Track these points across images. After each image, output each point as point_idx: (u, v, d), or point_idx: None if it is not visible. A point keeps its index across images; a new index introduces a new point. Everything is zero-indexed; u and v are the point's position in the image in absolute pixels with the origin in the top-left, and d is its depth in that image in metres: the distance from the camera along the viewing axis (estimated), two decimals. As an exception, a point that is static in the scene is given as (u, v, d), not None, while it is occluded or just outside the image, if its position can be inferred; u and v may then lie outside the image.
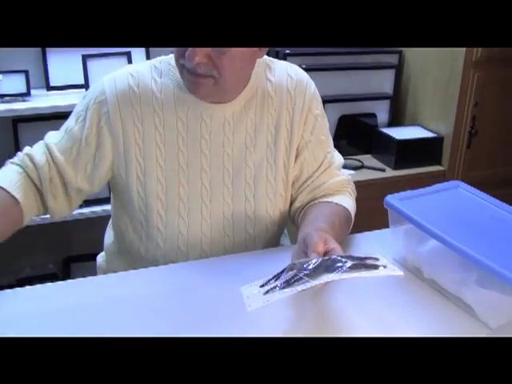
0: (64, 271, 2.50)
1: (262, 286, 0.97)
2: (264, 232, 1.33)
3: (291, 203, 1.35)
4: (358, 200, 1.38)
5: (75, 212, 2.09)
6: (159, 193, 1.23)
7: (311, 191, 1.33)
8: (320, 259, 0.96)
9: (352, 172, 2.40)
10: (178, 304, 1.09)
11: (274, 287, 0.94)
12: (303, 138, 1.30)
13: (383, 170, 2.50)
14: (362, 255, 0.98)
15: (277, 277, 0.98)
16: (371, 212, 2.01)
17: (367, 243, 1.33)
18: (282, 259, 1.09)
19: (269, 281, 0.98)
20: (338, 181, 1.34)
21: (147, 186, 1.23)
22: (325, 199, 1.30)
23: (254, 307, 0.91)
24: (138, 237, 1.28)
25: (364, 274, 0.93)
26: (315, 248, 1.00)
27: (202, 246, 1.29)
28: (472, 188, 1.23)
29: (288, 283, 0.94)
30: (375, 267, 0.95)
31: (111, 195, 1.35)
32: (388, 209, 1.18)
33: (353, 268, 0.94)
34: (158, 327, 1.02)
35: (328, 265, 0.95)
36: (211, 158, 1.25)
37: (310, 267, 0.94)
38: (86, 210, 2.23)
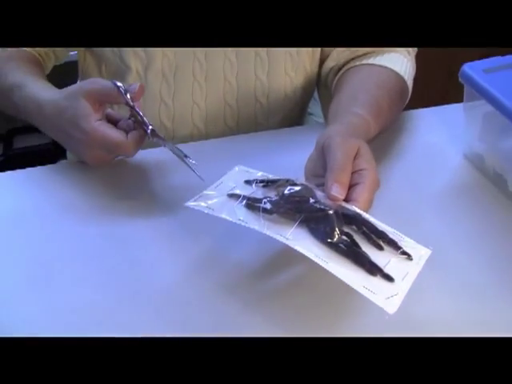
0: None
1: (247, 181, 0.69)
2: (281, 103, 0.96)
3: (323, 61, 0.96)
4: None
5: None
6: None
7: None
8: (323, 205, 0.63)
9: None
10: (155, 206, 0.77)
11: (239, 196, 0.65)
12: None
13: None
14: (391, 234, 0.63)
15: (266, 183, 0.68)
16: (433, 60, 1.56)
17: (424, 125, 0.93)
18: (306, 144, 0.74)
19: (256, 181, 0.69)
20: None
21: None
22: (370, 60, 0.89)
23: (193, 204, 0.66)
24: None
25: (354, 281, 0.57)
26: (337, 176, 0.64)
27: (193, 120, 0.94)
28: None
29: (250, 204, 0.64)
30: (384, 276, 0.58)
31: None
32: (464, 83, 0.79)
33: (349, 255, 0.59)
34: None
35: (321, 223, 0.61)
36: None
37: (288, 203, 0.63)
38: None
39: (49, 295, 0.65)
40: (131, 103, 0.74)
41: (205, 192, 0.67)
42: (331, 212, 0.62)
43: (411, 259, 0.60)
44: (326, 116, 1.03)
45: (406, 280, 0.58)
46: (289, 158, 0.82)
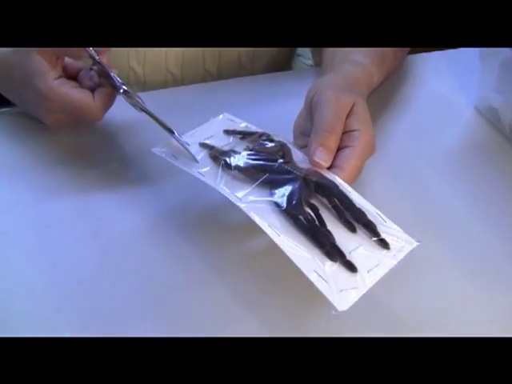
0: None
1: (227, 131, 0.61)
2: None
3: None
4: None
5: None
6: None
7: None
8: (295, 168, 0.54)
9: None
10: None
11: (209, 147, 0.58)
12: None
13: None
14: (371, 216, 0.52)
15: (243, 135, 0.60)
16: None
17: (431, 72, 0.82)
18: (297, 91, 0.64)
19: (235, 132, 0.61)
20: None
21: None
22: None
23: (159, 151, 0.58)
24: None
25: (304, 262, 0.47)
26: (323, 139, 0.55)
27: (167, 65, 0.82)
28: None
29: (216, 156, 0.57)
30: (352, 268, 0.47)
31: None
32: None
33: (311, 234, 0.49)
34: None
35: (285, 188, 0.53)
36: None
37: (253, 159, 0.55)
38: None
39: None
40: (97, 57, 0.61)
41: (179, 139, 0.59)
42: (300, 177, 0.53)
43: (388, 249, 0.49)
44: (315, 58, 0.92)
45: (374, 273, 0.47)
46: (277, 108, 0.73)
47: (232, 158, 0.55)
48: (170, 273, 0.55)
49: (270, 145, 0.57)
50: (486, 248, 0.59)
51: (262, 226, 0.49)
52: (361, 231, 0.51)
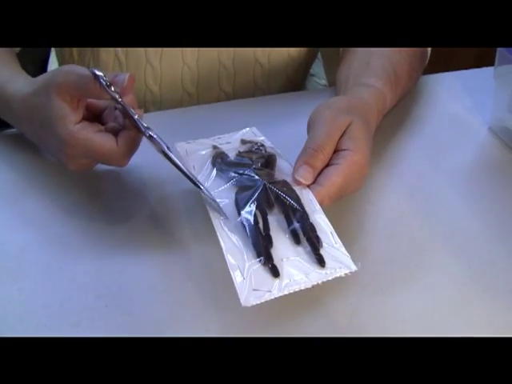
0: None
1: (244, 141, 0.65)
2: (284, 63, 0.85)
3: None
4: None
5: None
6: None
7: None
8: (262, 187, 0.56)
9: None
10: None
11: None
12: None
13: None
14: (321, 233, 0.53)
15: (251, 144, 0.64)
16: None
17: (445, 92, 0.82)
18: (304, 112, 0.64)
19: (246, 141, 0.65)
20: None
21: None
22: (386, 17, 0.79)
23: (178, 145, 0.64)
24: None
25: (232, 258, 0.50)
26: (308, 158, 0.56)
27: (183, 84, 0.83)
28: None
29: (214, 157, 0.62)
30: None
31: None
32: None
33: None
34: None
35: (248, 190, 0.56)
36: None
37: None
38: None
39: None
40: (119, 99, 0.56)
41: (201, 139, 0.64)
42: (261, 183, 0.55)
43: (322, 266, 0.50)
44: (329, 77, 0.93)
45: (295, 283, 0.48)
46: (291, 128, 0.73)
47: (219, 159, 0.59)
48: (185, 291, 0.55)
49: (258, 152, 0.61)
50: (500, 266, 0.59)
51: (212, 216, 0.53)
52: (304, 245, 0.52)
